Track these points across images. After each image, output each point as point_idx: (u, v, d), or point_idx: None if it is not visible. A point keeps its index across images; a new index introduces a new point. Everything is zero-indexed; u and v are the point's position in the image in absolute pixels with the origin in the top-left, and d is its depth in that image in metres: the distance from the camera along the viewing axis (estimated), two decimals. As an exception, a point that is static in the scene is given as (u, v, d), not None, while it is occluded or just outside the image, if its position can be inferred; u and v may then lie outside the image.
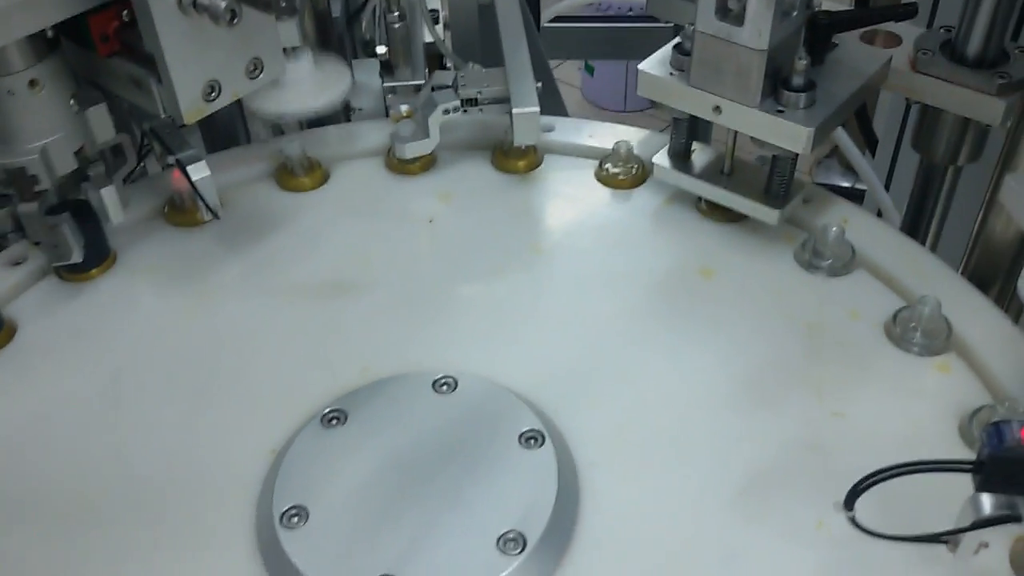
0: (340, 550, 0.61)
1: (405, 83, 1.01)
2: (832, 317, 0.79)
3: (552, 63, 3.07)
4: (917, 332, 0.76)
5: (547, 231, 0.92)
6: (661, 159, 0.89)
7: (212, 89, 0.74)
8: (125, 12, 0.72)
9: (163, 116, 0.75)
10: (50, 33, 0.74)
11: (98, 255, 0.85)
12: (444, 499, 0.64)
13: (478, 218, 0.92)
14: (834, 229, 0.83)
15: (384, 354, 0.77)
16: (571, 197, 0.94)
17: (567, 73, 3.45)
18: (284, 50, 0.89)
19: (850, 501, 0.58)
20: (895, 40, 0.91)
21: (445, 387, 0.71)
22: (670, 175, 0.88)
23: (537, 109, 0.89)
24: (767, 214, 0.84)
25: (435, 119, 0.92)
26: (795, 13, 0.75)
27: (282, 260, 0.87)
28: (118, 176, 0.86)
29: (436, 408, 0.70)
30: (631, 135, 0.96)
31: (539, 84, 0.92)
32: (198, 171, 0.84)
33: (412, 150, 0.93)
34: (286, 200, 0.94)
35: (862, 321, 0.79)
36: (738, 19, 0.73)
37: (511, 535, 0.61)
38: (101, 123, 0.80)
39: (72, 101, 0.78)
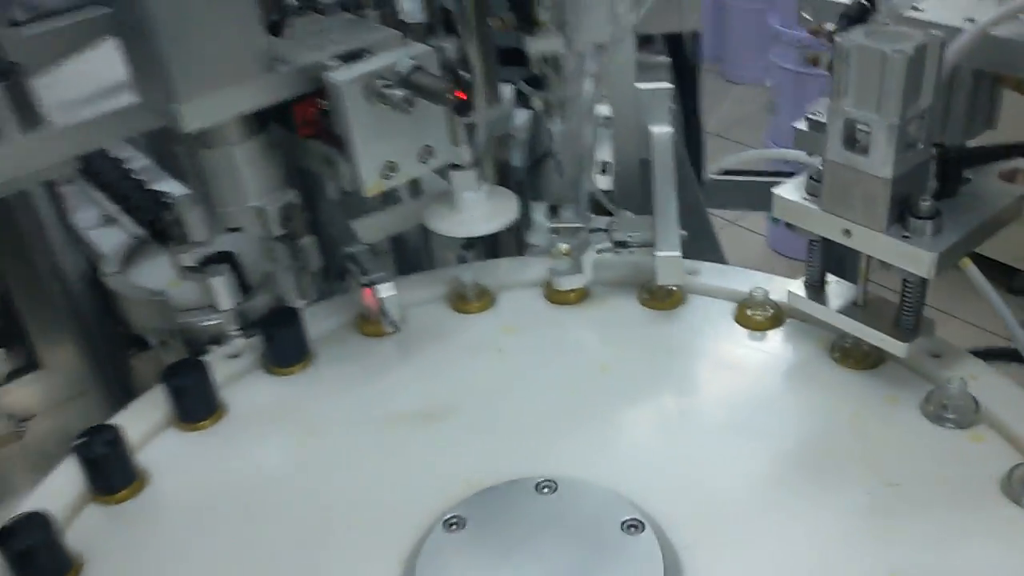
0: None
1: (567, 224, 1.14)
2: (953, 469, 0.83)
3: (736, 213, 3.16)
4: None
5: (681, 362, 1.01)
6: (797, 288, 0.96)
7: (390, 169, 0.89)
8: (324, 101, 0.89)
9: (347, 190, 0.91)
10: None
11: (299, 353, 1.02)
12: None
13: (622, 347, 1.02)
14: (957, 382, 0.87)
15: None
16: (709, 334, 1.03)
17: (754, 222, 3.53)
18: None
19: None
20: (1034, 177, 0.95)
21: (546, 489, 0.82)
22: (805, 304, 0.95)
23: (679, 254, 1.00)
24: (895, 346, 0.88)
25: (588, 257, 1.05)
26: (920, 146, 0.82)
27: (446, 373, 1.01)
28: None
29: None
30: (767, 281, 1.04)
31: (684, 232, 1.03)
32: (386, 290, 1.01)
33: (566, 283, 1.06)
34: (456, 320, 1.09)
35: (980, 474, 0.82)
36: (864, 150, 0.81)
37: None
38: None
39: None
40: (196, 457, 0.93)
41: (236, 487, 0.89)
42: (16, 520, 0.79)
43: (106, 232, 1.29)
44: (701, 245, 1.31)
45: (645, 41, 1.36)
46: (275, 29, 0.90)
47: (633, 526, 0.76)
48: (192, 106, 0.85)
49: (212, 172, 0.95)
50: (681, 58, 1.46)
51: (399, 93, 0.84)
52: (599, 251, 1.05)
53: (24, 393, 1.45)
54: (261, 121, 0.93)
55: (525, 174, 1.44)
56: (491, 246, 1.34)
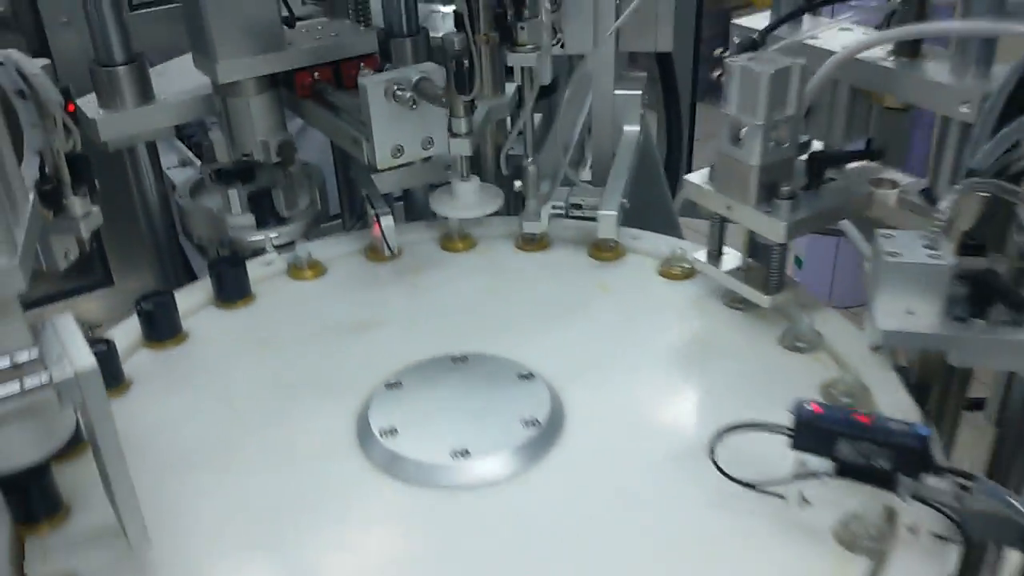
0: (425, 445, 0.98)
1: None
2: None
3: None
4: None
5: (609, 296, 1.28)
6: (700, 255, 1.22)
7: (399, 151, 1.21)
8: (316, 73, 1.30)
9: (367, 163, 1.22)
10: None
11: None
12: (480, 409, 1.02)
13: (563, 280, 1.30)
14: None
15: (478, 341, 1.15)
16: (633, 279, 1.30)
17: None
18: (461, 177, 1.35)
19: (712, 446, 0.88)
20: (894, 185, 1.20)
21: (459, 361, 1.11)
22: (704, 267, 1.22)
23: (614, 213, 1.27)
24: (761, 299, 1.14)
25: (546, 211, 1.33)
26: (786, 144, 1.07)
27: (426, 288, 1.30)
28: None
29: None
30: (685, 245, 1.31)
31: (625, 201, 1.31)
32: (387, 221, 1.30)
33: (528, 228, 1.34)
34: (444, 256, 1.38)
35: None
36: (743, 145, 1.08)
37: (531, 419, 0.99)
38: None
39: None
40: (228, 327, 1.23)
41: (235, 356, 1.18)
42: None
43: (181, 171, 1.61)
44: (666, 225, 1.56)
45: (633, 61, 1.65)
46: (289, 23, 1.33)
47: (525, 376, 1.05)
48: (225, 65, 1.27)
49: (235, 114, 1.35)
50: (668, 76, 1.74)
51: (408, 94, 1.16)
52: (554, 207, 1.33)
53: (94, 305, 1.78)
54: (272, 83, 1.35)
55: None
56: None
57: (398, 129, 1.21)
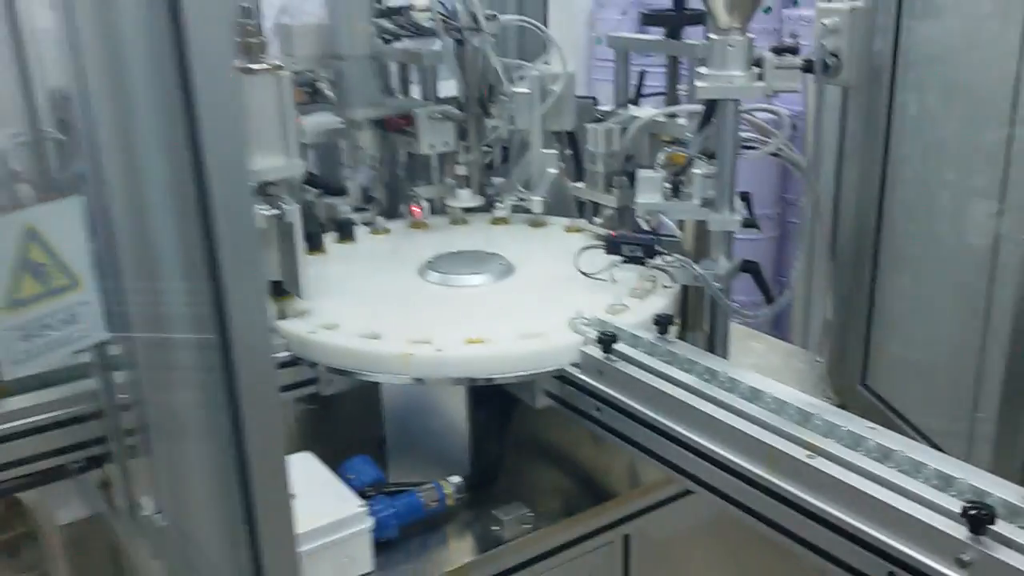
0: (451, 272, 2.19)
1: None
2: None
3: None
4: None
5: (538, 239, 2.49)
6: (583, 222, 2.46)
7: (432, 147, 2.51)
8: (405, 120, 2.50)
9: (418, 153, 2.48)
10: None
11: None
12: (476, 265, 2.23)
13: (515, 234, 2.53)
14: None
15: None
16: (551, 233, 2.53)
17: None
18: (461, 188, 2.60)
19: (576, 259, 2.09)
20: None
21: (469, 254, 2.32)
22: (583, 224, 2.45)
23: (541, 199, 2.51)
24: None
25: (508, 205, 2.56)
26: (615, 162, 2.34)
27: (444, 237, 2.51)
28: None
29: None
30: (578, 220, 2.54)
31: (547, 197, 2.54)
32: (424, 205, 2.53)
33: (499, 213, 2.57)
34: (453, 227, 2.60)
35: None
36: (595, 163, 2.33)
37: (499, 265, 2.18)
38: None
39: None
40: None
41: (351, 257, 2.38)
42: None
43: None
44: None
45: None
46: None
47: (495, 254, 2.27)
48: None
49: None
50: (573, 145, 3.02)
51: (437, 115, 2.43)
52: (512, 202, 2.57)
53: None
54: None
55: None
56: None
57: (433, 135, 2.49)
